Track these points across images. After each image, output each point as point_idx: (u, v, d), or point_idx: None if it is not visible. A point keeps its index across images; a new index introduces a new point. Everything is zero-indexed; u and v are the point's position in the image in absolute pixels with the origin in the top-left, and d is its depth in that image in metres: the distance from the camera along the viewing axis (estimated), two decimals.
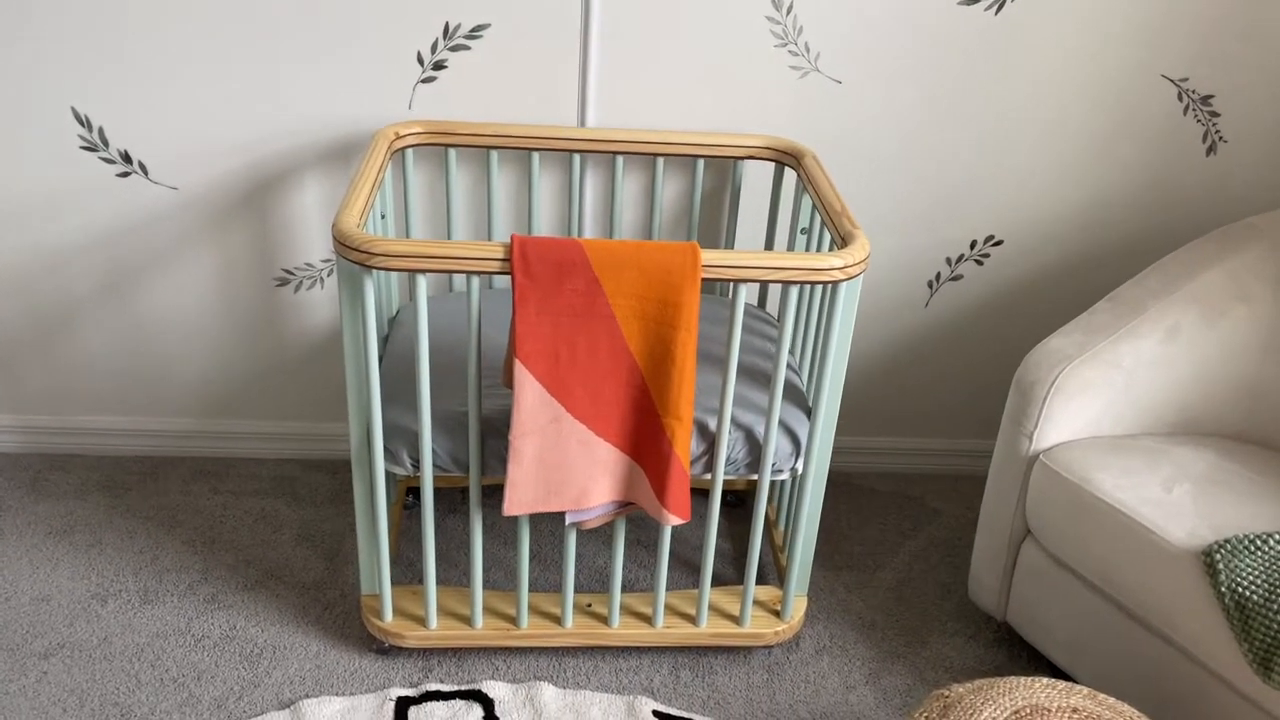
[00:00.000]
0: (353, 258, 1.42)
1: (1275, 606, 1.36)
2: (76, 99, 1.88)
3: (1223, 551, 1.43)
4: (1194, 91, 1.98)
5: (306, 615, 1.85)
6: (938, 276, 2.14)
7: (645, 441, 1.54)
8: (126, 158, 1.94)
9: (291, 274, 2.07)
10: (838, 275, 1.47)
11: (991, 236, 2.10)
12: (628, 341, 1.48)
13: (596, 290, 1.44)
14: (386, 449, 1.60)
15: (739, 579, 1.99)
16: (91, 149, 1.93)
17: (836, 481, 2.30)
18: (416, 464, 1.60)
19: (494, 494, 2.13)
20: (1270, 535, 1.44)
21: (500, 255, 1.42)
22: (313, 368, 2.17)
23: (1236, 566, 1.41)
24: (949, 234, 2.10)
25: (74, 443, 2.22)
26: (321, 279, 2.07)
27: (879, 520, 2.20)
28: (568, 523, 1.61)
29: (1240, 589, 1.39)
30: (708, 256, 1.44)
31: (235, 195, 1.98)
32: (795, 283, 1.47)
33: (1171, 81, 1.97)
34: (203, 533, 2.02)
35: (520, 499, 1.55)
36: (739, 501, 2.20)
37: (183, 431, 2.22)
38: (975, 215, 2.08)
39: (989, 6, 1.88)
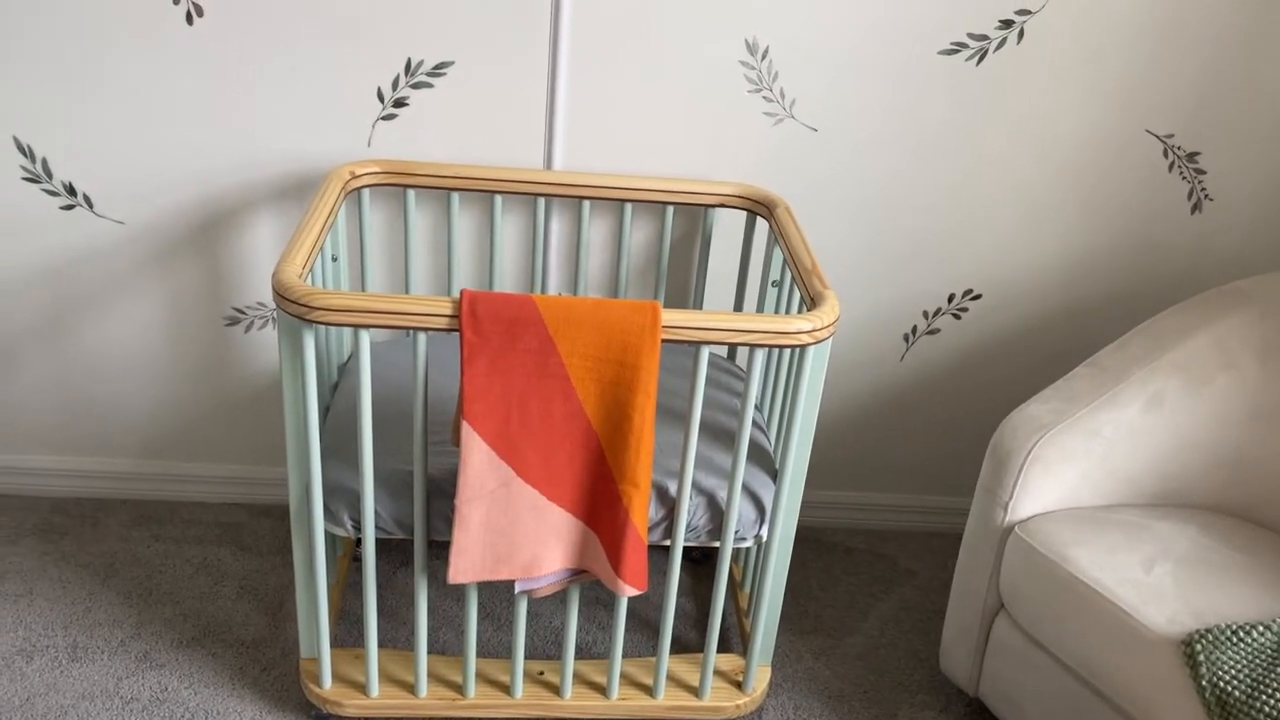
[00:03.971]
0: (292, 310, 1.34)
1: (1259, 703, 1.29)
2: (19, 128, 1.79)
3: (1204, 642, 1.35)
4: (1180, 148, 1.93)
5: (243, 677, 1.75)
6: (914, 330, 2.08)
7: (600, 508, 1.46)
8: (71, 190, 1.85)
9: (242, 313, 1.98)
10: (806, 340, 1.40)
11: (970, 290, 2.04)
12: (583, 404, 1.40)
13: (550, 350, 1.37)
14: (326, 508, 1.51)
15: (700, 643, 1.91)
16: (34, 180, 1.84)
17: (805, 538, 2.23)
18: (358, 525, 1.51)
19: (444, 549, 2.04)
20: (1254, 626, 1.37)
21: (449, 311, 1.34)
22: (262, 410, 2.08)
23: (1218, 659, 1.34)
24: (926, 287, 2.03)
25: (8, 483, 2.12)
26: (273, 319, 1.99)
27: (849, 580, 2.12)
28: (517, 591, 1.53)
29: (1222, 683, 1.32)
30: (669, 317, 1.36)
31: (184, 231, 1.89)
32: (761, 345, 1.40)
33: (1157, 137, 1.92)
34: (140, 583, 1.93)
35: (466, 567, 1.46)
36: (702, 558, 2.12)
37: (125, 473, 2.12)
38: (953, 268, 2.01)
39: (970, 57, 1.82)
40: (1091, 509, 1.64)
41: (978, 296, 2.05)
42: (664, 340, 1.37)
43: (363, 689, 1.64)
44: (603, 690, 1.69)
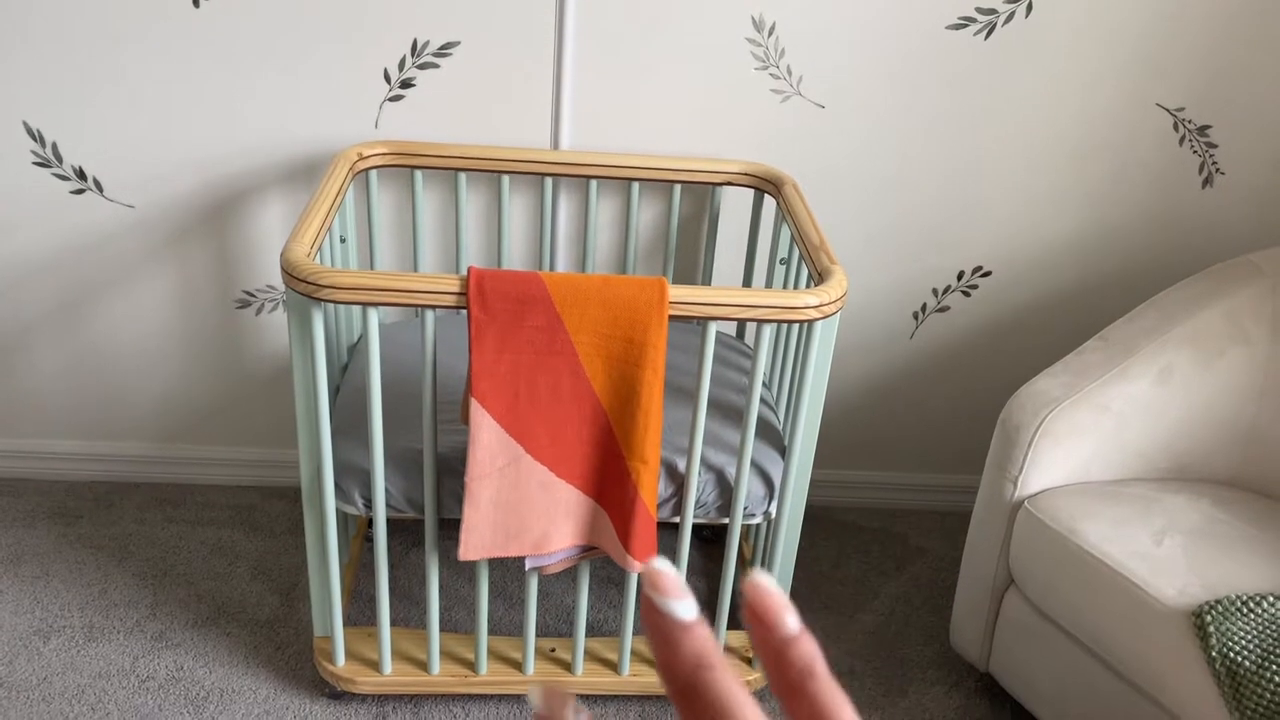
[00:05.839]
0: (300, 289, 1.34)
1: (1268, 674, 1.29)
2: (29, 113, 1.80)
3: (1214, 613, 1.35)
4: (1190, 121, 1.92)
5: (258, 655, 1.76)
6: (924, 307, 2.07)
7: (609, 485, 1.47)
8: (81, 174, 1.86)
9: (253, 295, 1.99)
10: (813, 314, 1.40)
11: (980, 267, 2.03)
12: (591, 381, 1.40)
13: (558, 326, 1.37)
14: (338, 487, 1.52)
15: (711, 620, 1.91)
16: (44, 165, 1.85)
17: (817, 517, 2.23)
18: (369, 503, 1.52)
19: (455, 527, 2.05)
20: (1265, 597, 1.36)
21: (456, 289, 1.34)
22: (274, 392, 2.09)
23: (1228, 630, 1.33)
24: (936, 264, 2.02)
25: (24, 467, 2.14)
26: (283, 301, 2.00)
27: (860, 558, 2.12)
28: (527, 568, 1.53)
29: (1232, 654, 1.32)
30: (676, 293, 1.36)
31: (194, 214, 1.90)
32: (769, 321, 1.40)
33: (1167, 111, 1.90)
34: (155, 564, 1.94)
35: (477, 543, 1.47)
36: (713, 536, 2.13)
37: (139, 456, 2.14)
38: (963, 245, 2.01)
39: (978, 31, 1.81)
40: (1102, 483, 1.64)
41: (988, 273, 2.04)
42: (671, 316, 1.37)
43: (376, 666, 1.66)
44: (614, 667, 1.70)
